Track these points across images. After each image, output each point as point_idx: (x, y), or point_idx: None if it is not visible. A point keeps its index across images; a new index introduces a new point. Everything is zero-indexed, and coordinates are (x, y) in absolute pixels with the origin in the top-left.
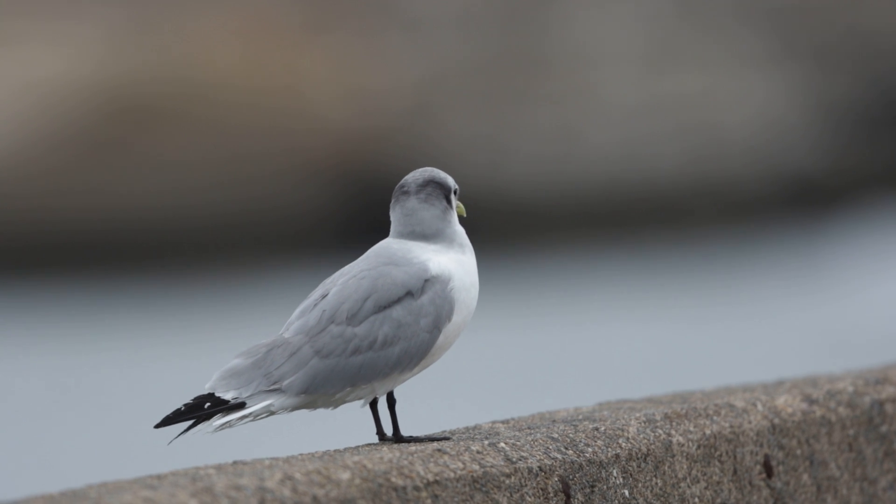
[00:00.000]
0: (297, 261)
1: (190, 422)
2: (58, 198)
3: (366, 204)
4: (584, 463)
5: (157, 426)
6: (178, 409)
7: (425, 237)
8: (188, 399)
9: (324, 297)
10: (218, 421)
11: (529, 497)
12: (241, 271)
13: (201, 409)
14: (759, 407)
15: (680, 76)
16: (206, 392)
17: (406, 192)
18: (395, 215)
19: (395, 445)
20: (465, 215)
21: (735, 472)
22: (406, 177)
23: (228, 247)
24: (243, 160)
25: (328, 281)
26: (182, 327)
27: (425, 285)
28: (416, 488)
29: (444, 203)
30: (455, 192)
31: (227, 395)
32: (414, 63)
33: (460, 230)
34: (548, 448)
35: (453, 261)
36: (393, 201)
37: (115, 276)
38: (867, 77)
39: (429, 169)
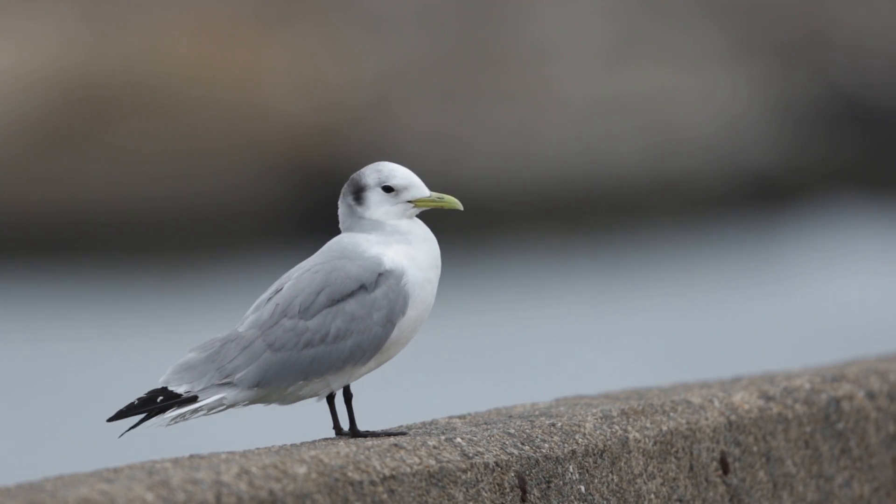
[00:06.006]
0: (255, 254)
1: (143, 415)
2: (12, 188)
3: (323, 198)
4: (540, 458)
5: (111, 420)
6: (132, 403)
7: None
8: (144, 392)
9: (278, 291)
10: (171, 414)
11: (485, 492)
12: (198, 264)
13: (154, 403)
14: (716, 403)
15: (639, 72)
16: (159, 386)
17: None
18: None
19: (352, 440)
20: (460, 208)
21: (691, 468)
22: None
23: (185, 240)
24: (200, 153)
25: (284, 277)
26: (140, 320)
27: (379, 279)
28: (373, 483)
29: (350, 199)
30: (389, 189)
31: (180, 389)
32: (372, 58)
33: (396, 223)
34: (504, 443)
35: (405, 254)
36: None
37: (71, 267)
38: (826, 75)
39: (371, 164)
